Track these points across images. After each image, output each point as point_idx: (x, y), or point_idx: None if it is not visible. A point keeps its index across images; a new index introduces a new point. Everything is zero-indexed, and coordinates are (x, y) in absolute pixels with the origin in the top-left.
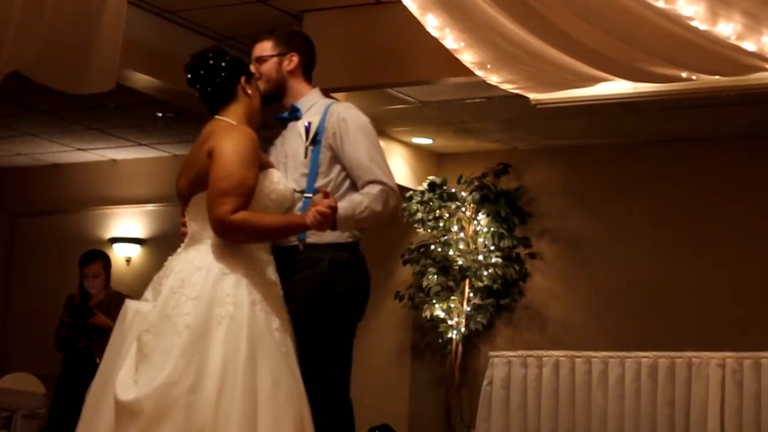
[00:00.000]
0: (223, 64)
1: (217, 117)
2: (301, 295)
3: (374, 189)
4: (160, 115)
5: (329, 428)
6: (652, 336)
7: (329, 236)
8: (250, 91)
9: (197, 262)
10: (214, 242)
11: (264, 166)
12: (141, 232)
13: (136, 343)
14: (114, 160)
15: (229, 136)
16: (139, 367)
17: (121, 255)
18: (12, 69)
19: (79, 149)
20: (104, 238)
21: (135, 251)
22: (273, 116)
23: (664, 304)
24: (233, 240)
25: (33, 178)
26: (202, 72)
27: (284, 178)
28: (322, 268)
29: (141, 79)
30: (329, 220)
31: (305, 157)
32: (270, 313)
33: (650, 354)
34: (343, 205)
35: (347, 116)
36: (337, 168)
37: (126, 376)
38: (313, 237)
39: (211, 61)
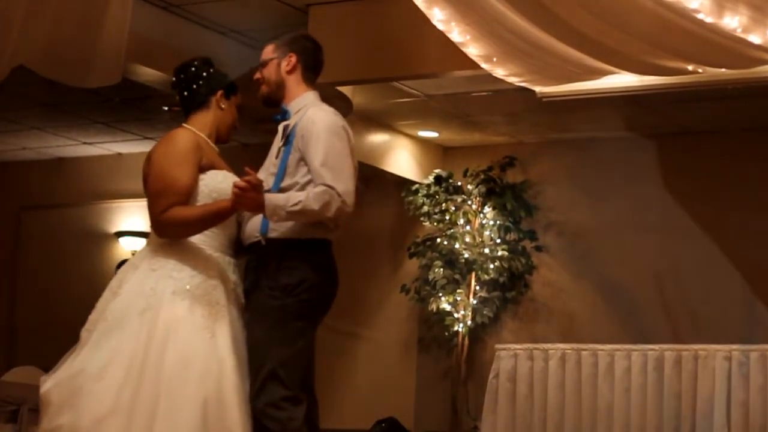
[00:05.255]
0: (204, 74)
1: (183, 125)
2: (252, 286)
3: (318, 189)
4: (165, 108)
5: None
6: (658, 329)
7: (288, 232)
8: (223, 106)
9: (135, 263)
10: (155, 242)
11: (209, 166)
12: (147, 226)
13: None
14: (120, 154)
15: (164, 140)
16: None
17: (128, 249)
18: (18, 63)
19: (84, 143)
20: (110, 232)
21: (141, 245)
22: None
23: (670, 297)
24: (171, 236)
25: (39, 171)
26: (182, 77)
27: (233, 178)
28: (273, 261)
29: (147, 73)
30: (247, 196)
31: (276, 157)
32: (196, 301)
33: (656, 347)
34: (278, 195)
35: (316, 119)
36: (303, 170)
37: (58, 370)
38: (274, 233)
39: (192, 68)
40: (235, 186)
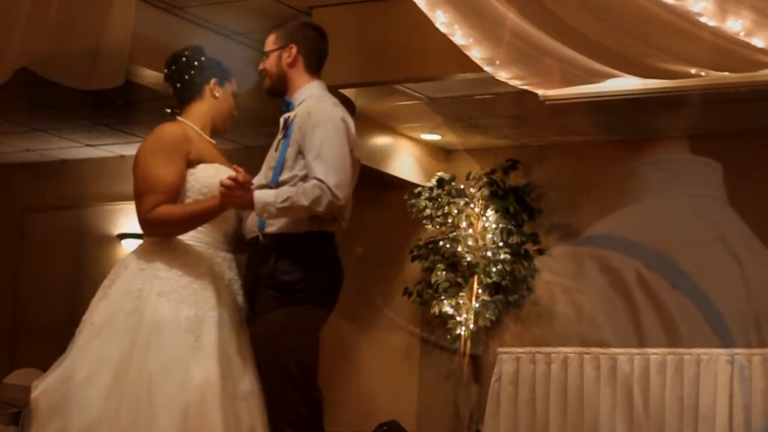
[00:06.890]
0: (196, 63)
1: (177, 118)
2: (253, 284)
3: (308, 183)
4: (168, 111)
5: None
6: (660, 332)
7: (286, 226)
8: (217, 94)
9: (126, 262)
10: (146, 241)
11: (199, 160)
12: None
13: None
14: (123, 156)
15: (149, 137)
16: None
17: (130, 251)
18: (21, 65)
19: (87, 145)
20: (113, 234)
21: None
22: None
23: (673, 301)
24: (160, 235)
25: (41, 173)
26: (173, 68)
27: (225, 171)
28: (271, 257)
29: (150, 75)
30: (235, 194)
31: (276, 150)
32: (182, 302)
33: (659, 350)
34: (267, 192)
35: (313, 111)
36: (301, 163)
37: (49, 374)
38: (271, 227)
39: (184, 58)
40: (222, 185)
